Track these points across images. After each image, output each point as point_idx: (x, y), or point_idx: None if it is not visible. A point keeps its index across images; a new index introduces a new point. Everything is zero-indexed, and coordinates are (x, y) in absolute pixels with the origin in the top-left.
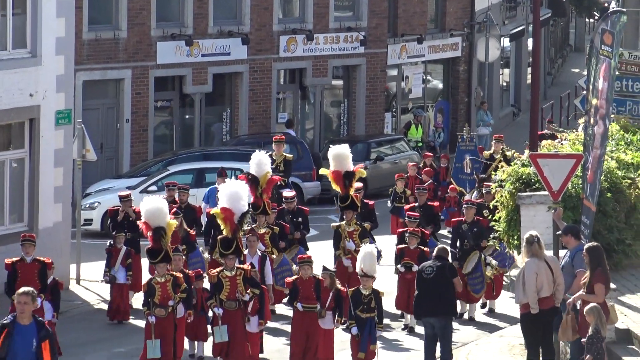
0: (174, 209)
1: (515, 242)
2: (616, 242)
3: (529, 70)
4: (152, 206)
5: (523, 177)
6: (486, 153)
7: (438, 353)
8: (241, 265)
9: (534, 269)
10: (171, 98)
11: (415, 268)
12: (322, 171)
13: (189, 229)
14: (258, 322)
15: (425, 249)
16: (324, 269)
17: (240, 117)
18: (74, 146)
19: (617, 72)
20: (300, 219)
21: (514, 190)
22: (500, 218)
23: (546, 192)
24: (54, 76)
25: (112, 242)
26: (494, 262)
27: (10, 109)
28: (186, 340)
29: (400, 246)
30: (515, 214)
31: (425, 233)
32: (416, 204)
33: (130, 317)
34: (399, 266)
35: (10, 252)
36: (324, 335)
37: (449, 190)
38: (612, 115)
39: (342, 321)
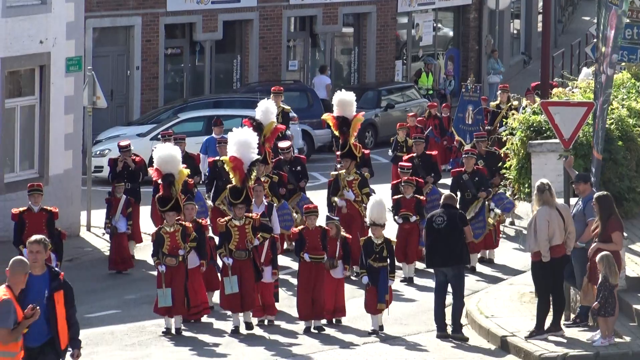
0: None
1: (526, 190)
2: (627, 190)
3: (540, 18)
4: (165, 152)
5: (534, 124)
6: (492, 104)
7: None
8: (250, 214)
9: (546, 216)
10: (181, 45)
11: (413, 218)
12: (324, 116)
13: (187, 178)
14: (272, 272)
15: (422, 197)
16: (328, 218)
17: (251, 64)
18: (84, 93)
19: (626, 20)
20: (298, 168)
21: (524, 138)
22: (511, 166)
23: (557, 140)
24: (64, 23)
25: (111, 192)
26: (497, 209)
27: (20, 56)
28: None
29: (396, 197)
30: (526, 162)
31: (420, 182)
32: (414, 154)
33: (130, 268)
34: (396, 217)
35: (21, 200)
36: (336, 285)
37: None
38: (623, 64)
39: (348, 268)
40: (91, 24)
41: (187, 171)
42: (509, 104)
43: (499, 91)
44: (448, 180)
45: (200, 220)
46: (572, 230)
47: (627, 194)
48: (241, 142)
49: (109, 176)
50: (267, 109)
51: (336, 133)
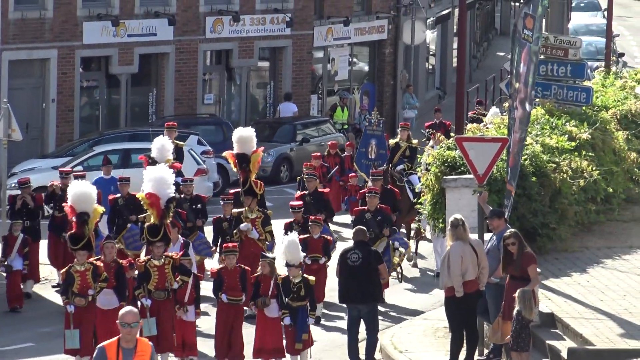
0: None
1: (441, 225)
2: (540, 226)
3: (455, 53)
4: (80, 190)
5: (448, 160)
6: (392, 141)
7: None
8: (170, 254)
9: (459, 252)
10: (97, 78)
11: (322, 260)
12: (224, 154)
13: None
14: (195, 312)
15: (329, 237)
16: (262, 256)
17: (167, 97)
18: None
19: (541, 56)
20: (199, 206)
21: (439, 174)
22: (425, 201)
23: (471, 176)
24: None
25: (9, 229)
26: (401, 248)
27: None
28: None
29: (303, 237)
30: (441, 197)
31: (317, 219)
32: (305, 192)
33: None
34: (306, 259)
35: None
36: (276, 324)
37: (350, 179)
38: (537, 100)
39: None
40: (7, 56)
41: (101, 209)
42: (409, 141)
43: (399, 128)
44: (344, 218)
45: (120, 261)
46: (485, 265)
47: (541, 230)
48: (157, 178)
49: (7, 213)
50: (162, 146)
51: (235, 170)
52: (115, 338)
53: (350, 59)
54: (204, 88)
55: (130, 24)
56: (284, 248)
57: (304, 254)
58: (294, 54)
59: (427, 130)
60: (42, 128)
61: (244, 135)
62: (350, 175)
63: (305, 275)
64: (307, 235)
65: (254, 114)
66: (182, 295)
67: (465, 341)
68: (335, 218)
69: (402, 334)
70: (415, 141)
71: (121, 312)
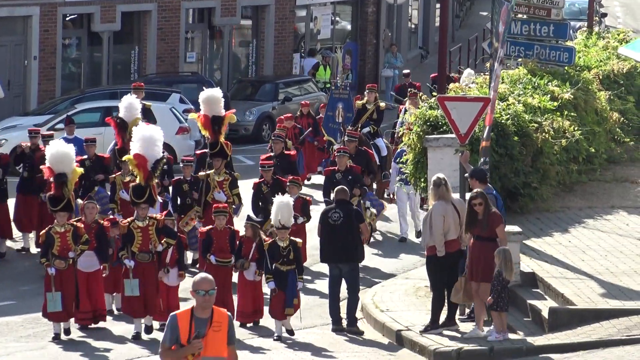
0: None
1: (422, 184)
2: (522, 186)
3: (438, 12)
4: (57, 150)
5: (430, 119)
6: (358, 103)
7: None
8: (154, 215)
9: (441, 211)
10: (79, 36)
11: (300, 220)
12: (191, 115)
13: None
14: (178, 274)
15: (308, 197)
16: (248, 218)
17: (149, 56)
18: None
19: (524, 16)
20: (165, 167)
21: (421, 133)
22: (407, 160)
23: (453, 135)
24: None
25: None
26: (372, 209)
27: None
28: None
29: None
30: (423, 156)
31: (283, 180)
32: (272, 154)
33: None
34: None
35: None
36: (254, 287)
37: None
38: (520, 59)
39: (259, 273)
40: None
41: (80, 170)
42: (376, 103)
43: (367, 90)
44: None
45: (101, 221)
46: None
47: (523, 189)
48: (146, 138)
49: None
50: (130, 104)
51: (205, 133)
52: (189, 306)
53: (332, 18)
54: (187, 46)
55: None
56: (276, 209)
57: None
58: (276, 13)
59: (395, 93)
60: (24, 85)
61: (213, 96)
62: (317, 137)
63: (292, 238)
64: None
65: (236, 73)
66: (164, 256)
67: (446, 301)
68: (312, 180)
69: (383, 293)
70: (382, 104)
71: (196, 279)
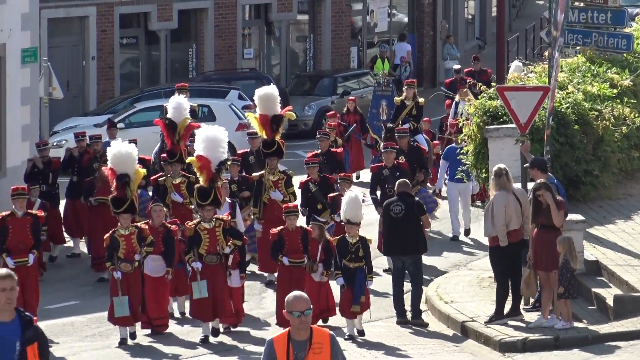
0: (104, 158)
1: (484, 175)
2: (584, 174)
3: (494, 2)
4: (119, 151)
5: (490, 110)
6: (397, 99)
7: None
8: (220, 216)
9: (503, 201)
10: (137, 35)
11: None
12: (248, 115)
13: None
14: (240, 276)
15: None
16: (314, 219)
17: (206, 53)
18: (40, 84)
19: (581, 4)
20: None
21: (481, 124)
22: (468, 151)
23: (514, 125)
24: (19, 14)
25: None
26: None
27: None
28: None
29: (332, 195)
30: (483, 147)
31: (332, 179)
32: (319, 151)
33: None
34: (335, 216)
35: None
36: (319, 286)
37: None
38: (578, 47)
39: (327, 273)
40: (46, 14)
41: (143, 171)
42: (415, 100)
43: (405, 86)
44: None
45: (169, 225)
46: (529, 215)
47: (584, 178)
48: (210, 139)
49: (24, 178)
50: (179, 105)
51: (261, 132)
52: (285, 330)
53: (389, 10)
54: (244, 43)
55: None
56: (345, 205)
57: (334, 213)
58: (332, 7)
59: (445, 88)
60: (82, 86)
61: (269, 95)
62: (363, 135)
63: (362, 235)
64: (337, 193)
65: (294, 68)
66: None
67: (510, 291)
68: (360, 177)
69: (447, 284)
70: (421, 99)
71: (289, 298)
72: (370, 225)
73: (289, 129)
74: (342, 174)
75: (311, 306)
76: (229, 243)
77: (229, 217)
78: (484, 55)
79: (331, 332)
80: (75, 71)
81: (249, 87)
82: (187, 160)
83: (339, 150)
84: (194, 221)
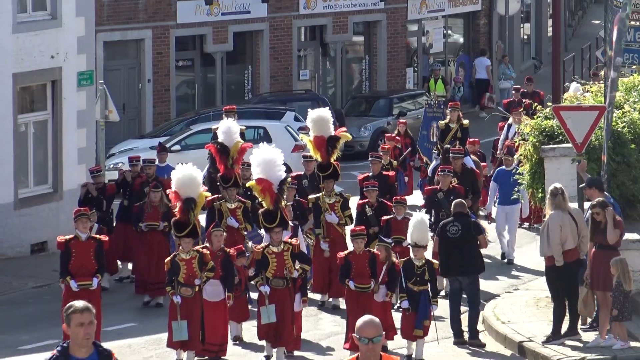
0: (154, 183)
1: (540, 194)
2: None
3: (550, 22)
4: (184, 174)
5: (546, 129)
6: (441, 123)
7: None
8: (289, 240)
9: (558, 221)
10: (192, 57)
11: (406, 242)
12: (302, 137)
13: (169, 204)
14: (301, 300)
15: None
16: (380, 240)
17: (262, 75)
18: (96, 107)
19: (637, 23)
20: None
21: (537, 143)
22: (524, 172)
23: (570, 145)
24: (75, 37)
25: None
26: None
27: (33, 71)
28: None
29: (386, 217)
30: (539, 166)
31: (388, 204)
32: (369, 174)
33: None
34: (389, 240)
35: (34, 214)
36: (381, 306)
37: (412, 161)
38: (634, 67)
39: (391, 295)
40: (102, 37)
41: (207, 194)
42: (459, 122)
43: (449, 109)
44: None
45: (228, 250)
46: (585, 234)
47: None
48: (265, 161)
49: (78, 202)
50: (228, 129)
51: (316, 155)
52: (353, 355)
53: (444, 31)
54: (299, 64)
55: (224, 2)
56: (412, 227)
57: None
58: (388, 28)
59: (503, 109)
60: (138, 108)
61: (323, 117)
62: (411, 157)
63: (429, 258)
64: (391, 216)
65: (350, 89)
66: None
67: (567, 310)
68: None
69: (504, 304)
70: (466, 122)
71: (360, 323)
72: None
73: (344, 150)
74: (397, 197)
75: (382, 333)
76: (297, 267)
77: (298, 242)
78: (540, 75)
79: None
80: (131, 94)
81: (304, 108)
82: (248, 185)
83: (391, 173)
84: (262, 244)
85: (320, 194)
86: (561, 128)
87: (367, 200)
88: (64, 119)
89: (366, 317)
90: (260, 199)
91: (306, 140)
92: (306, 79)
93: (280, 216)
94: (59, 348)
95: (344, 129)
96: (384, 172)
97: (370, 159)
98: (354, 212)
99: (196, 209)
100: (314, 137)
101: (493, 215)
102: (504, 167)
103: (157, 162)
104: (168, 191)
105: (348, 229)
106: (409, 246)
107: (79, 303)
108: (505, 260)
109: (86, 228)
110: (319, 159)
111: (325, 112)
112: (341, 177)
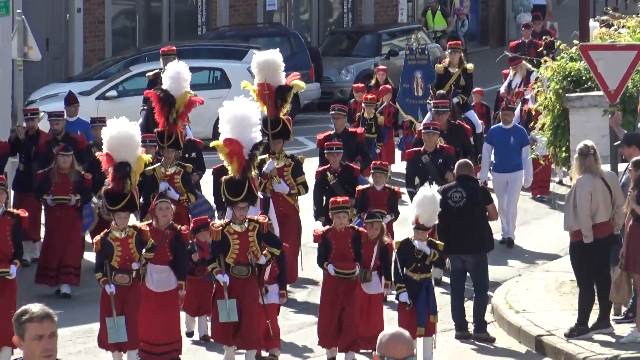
0: (62, 146)
1: (564, 154)
2: None
3: None
4: (118, 132)
5: (572, 74)
6: (439, 66)
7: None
8: (255, 217)
9: (588, 187)
10: None
11: (388, 218)
12: (244, 84)
13: (82, 171)
14: (279, 293)
15: (396, 188)
16: (370, 215)
17: (219, 4)
18: (12, 43)
19: None
20: (193, 154)
21: (560, 91)
22: (544, 125)
23: (601, 92)
24: None
25: None
26: None
27: None
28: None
29: (361, 188)
30: (563, 119)
31: (355, 169)
32: (331, 132)
33: None
34: (387, 216)
35: None
36: (368, 302)
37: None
38: None
39: (390, 285)
40: None
41: (147, 157)
42: (462, 66)
43: (448, 50)
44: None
45: (179, 227)
46: (621, 204)
47: None
48: (238, 118)
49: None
50: (178, 74)
51: (262, 107)
52: None
53: None
54: None
55: None
56: (417, 206)
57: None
58: None
59: (510, 52)
60: (66, 45)
61: (271, 61)
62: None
63: (431, 239)
64: (369, 185)
65: (328, 22)
66: (263, 271)
67: (597, 297)
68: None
69: (518, 290)
70: (470, 65)
71: (384, 338)
72: (400, 224)
73: (320, 99)
74: (376, 162)
75: (415, 351)
76: (264, 252)
77: (266, 219)
78: (564, 6)
79: None
80: (56, 27)
81: (272, 46)
82: (212, 145)
83: (359, 130)
84: (222, 222)
85: (266, 156)
86: (590, 72)
87: (327, 166)
88: None
89: (394, 331)
90: (226, 164)
91: (250, 89)
92: (274, 9)
93: (248, 188)
94: None
95: (298, 75)
96: (350, 130)
97: (332, 112)
98: (311, 182)
99: (133, 176)
100: (262, 85)
101: (490, 185)
102: (500, 124)
103: (65, 116)
104: (98, 154)
105: (302, 200)
106: (413, 227)
107: (36, 308)
108: (505, 242)
109: (1, 201)
110: (265, 113)
111: (274, 55)
112: (293, 135)
